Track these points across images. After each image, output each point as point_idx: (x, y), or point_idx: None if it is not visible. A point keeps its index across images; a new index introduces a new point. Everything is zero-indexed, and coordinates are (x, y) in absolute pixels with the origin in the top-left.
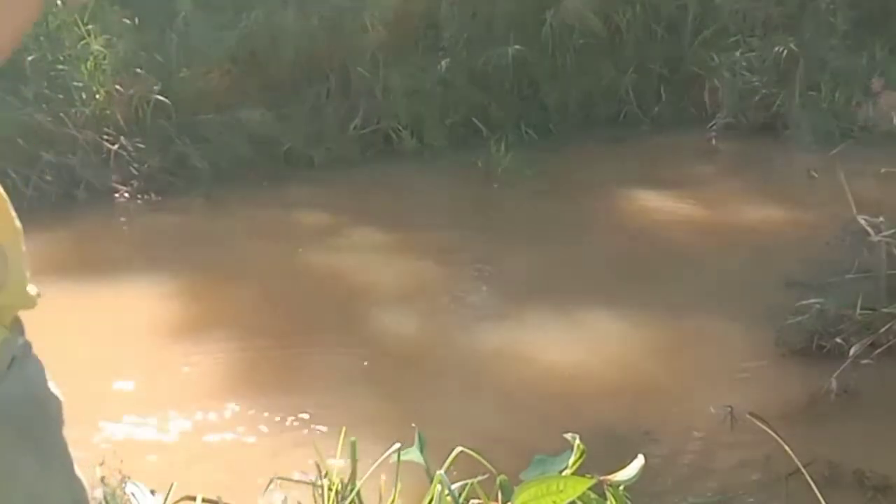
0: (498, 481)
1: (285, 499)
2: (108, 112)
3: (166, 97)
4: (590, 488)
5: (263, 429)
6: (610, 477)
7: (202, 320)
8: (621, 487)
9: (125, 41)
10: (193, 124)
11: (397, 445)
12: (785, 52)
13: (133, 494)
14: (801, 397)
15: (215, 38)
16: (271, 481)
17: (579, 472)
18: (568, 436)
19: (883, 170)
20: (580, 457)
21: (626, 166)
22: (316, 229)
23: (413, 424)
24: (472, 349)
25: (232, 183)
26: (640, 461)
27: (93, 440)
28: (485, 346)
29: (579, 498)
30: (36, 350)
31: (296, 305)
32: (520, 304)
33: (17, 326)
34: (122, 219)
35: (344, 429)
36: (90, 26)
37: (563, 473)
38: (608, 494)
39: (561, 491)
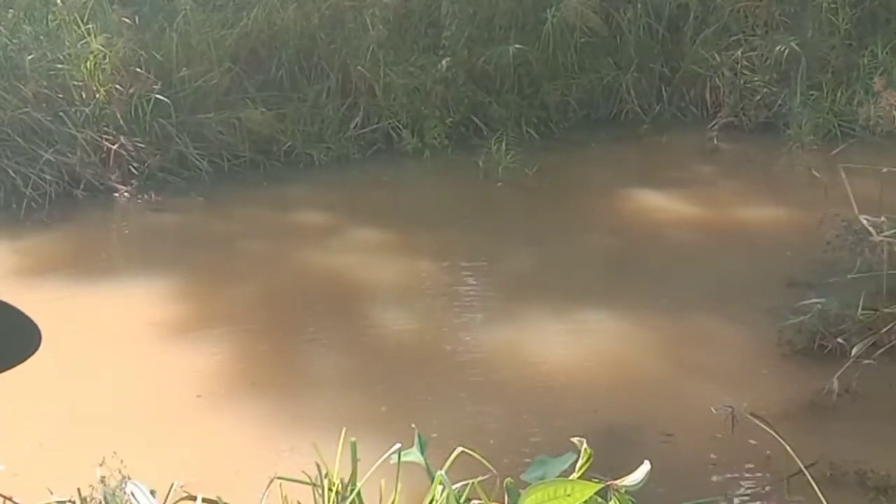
0: (504, 484)
1: (285, 498)
2: (107, 111)
3: (166, 96)
4: (596, 492)
5: (263, 429)
6: (617, 482)
7: (201, 320)
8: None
9: (125, 40)
10: (193, 124)
11: (397, 446)
12: (786, 51)
13: (133, 494)
14: (802, 397)
15: (215, 36)
16: (271, 481)
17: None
18: (575, 440)
19: (884, 169)
20: (587, 461)
21: (627, 166)
22: (316, 229)
23: (413, 425)
24: (473, 349)
25: (232, 183)
26: (646, 466)
27: (93, 440)
28: (485, 345)
29: (585, 502)
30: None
31: (296, 305)
32: (520, 303)
33: None
34: (122, 218)
35: (344, 429)
36: (90, 25)
37: (571, 477)
38: (614, 499)
39: (568, 495)
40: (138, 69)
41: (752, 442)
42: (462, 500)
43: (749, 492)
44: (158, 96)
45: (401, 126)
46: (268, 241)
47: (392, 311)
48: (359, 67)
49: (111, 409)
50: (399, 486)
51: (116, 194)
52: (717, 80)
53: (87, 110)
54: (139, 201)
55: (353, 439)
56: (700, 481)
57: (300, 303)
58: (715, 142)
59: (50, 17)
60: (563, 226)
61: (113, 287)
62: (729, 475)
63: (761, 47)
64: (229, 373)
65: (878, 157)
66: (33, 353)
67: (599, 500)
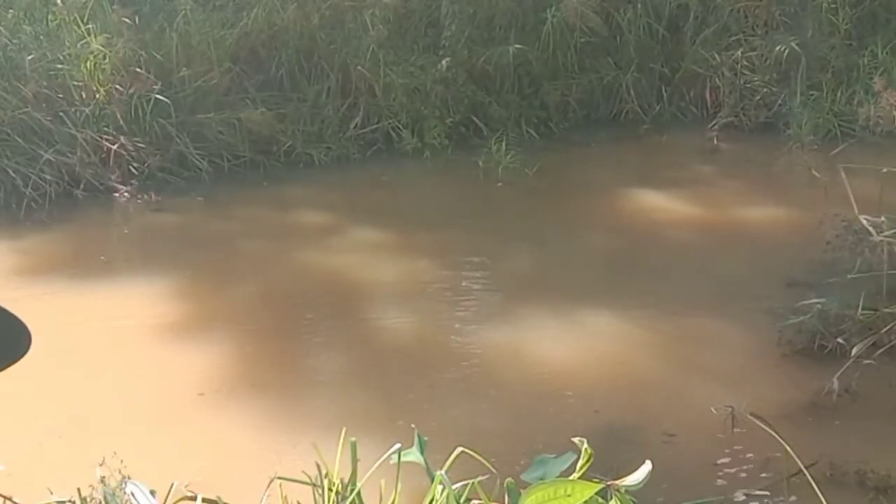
0: (505, 484)
1: (285, 499)
2: (107, 111)
3: (166, 96)
4: (596, 492)
5: (264, 428)
6: (618, 482)
7: (201, 320)
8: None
9: (125, 40)
10: (193, 123)
11: (398, 446)
12: (786, 51)
13: (133, 494)
14: (802, 398)
15: (215, 36)
16: (271, 481)
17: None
18: (576, 439)
19: (884, 169)
20: (588, 461)
21: (627, 166)
22: (316, 229)
23: (413, 425)
24: (473, 349)
25: (232, 183)
26: (647, 466)
27: (93, 440)
28: (485, 345)
29: (585, 502)
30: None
31: (296, 305)
32: (520, 303)
33: None
34: (122, 218)
35: (344, 429)
36: (90, 25)
37: (571, 477)
38: (614, 499)
39: (568, 495)
40: (138, 69)
41: (752, 442)
42: (462, 500)
43: (749, 492)
44: (158, 96)
45: (401, 126)
46: (268, 241)
47: (392, 311)
48: (359, 67)
49: (111, 409)
50: (399, 486)
51: (116, 194)
52: (717, 80)
53: (87, 110)
54: (139, 201)
55: (353, 439)
56: (700, 481)
57: (300, 303)
58: (715, 142)
59: (50, 17)
60: (563, 226)
61: (113, 287)
62: (729, 475)
63: (761, 47)
64: (229, 373)
65: (878, 157)
66: (22, 355)
67: (600, 500)
